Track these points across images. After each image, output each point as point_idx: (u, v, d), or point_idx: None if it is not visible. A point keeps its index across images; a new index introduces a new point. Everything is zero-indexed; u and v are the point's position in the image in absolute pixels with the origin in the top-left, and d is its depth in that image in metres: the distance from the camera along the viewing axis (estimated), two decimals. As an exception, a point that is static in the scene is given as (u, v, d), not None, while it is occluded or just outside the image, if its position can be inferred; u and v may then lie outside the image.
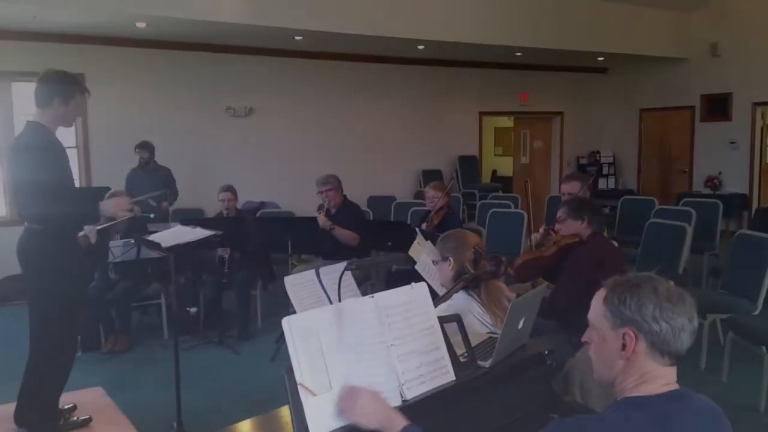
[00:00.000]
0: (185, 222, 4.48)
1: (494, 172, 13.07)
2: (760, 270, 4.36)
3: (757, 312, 4.32)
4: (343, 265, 2.70)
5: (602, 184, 11.50)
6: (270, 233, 5.38)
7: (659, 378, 1.36)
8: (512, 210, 6.96)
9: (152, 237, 3.94)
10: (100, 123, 7.78)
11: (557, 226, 3.79)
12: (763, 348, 3.80)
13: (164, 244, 3.63)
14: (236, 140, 8.74)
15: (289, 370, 1.44)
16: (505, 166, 12.76)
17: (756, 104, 9.63)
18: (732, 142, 9.93)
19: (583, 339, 1.46)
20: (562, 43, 8.97)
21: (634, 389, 1.36)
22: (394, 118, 10.03)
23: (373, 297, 1.67)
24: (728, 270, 4.88)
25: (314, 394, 1.45)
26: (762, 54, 9.34)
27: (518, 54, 9.65)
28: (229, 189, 5.88)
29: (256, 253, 5.39)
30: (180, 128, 8.29)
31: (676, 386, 1.38)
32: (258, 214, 6.96)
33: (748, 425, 3.71)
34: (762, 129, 9.86)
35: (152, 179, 6.69)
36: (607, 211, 8.49)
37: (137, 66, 8.01)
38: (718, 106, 10.08)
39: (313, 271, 2.86)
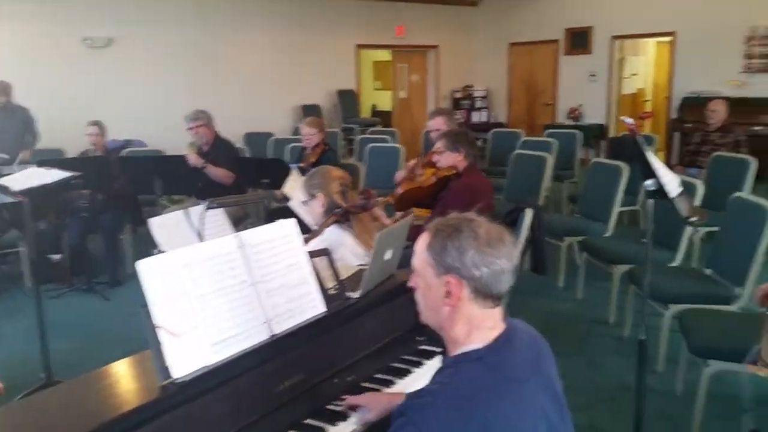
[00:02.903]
0: (42, 163, 4.16)
1: (374, 106, 13.09)
2: (611, 195, 4.74)
3: (608, 234, 4.72)
4: (218, 205, 2.65)
5: (476, 117, 11.86)
6: (136, 173, 5.11)
7: (486, 321, 1.38)
8: (390, 144, 7.06)
9: (3, 180, 3.65)
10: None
11: (435, 158, 3.90)
12: (613, 266, 4.16)
13: (16, 188, 3.37)
14: (97, 75, 8.13)
15: (147, 314, 1.41)
16: (385, 101, 12.81)
17: (614, 37, 10.21)
18: (592, 75, 10.52)
19: (410, 284, 1.46)
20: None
21: (466, 340, 1.37)
22: (270, 51, 9.71)
23: (236, 236, 1.65)
24: (584, 196, 5.26)
25: (175, 336, 1.43)
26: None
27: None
28: (96, 124, 5.61)
29: (122, 195, 5.13)
30: (34, 64, 7.58)
31: (502, 325, 1.40)
32: (122, 153, 6.58)
33: (600, 335, 4.11)
34: (620, 61, 10.50)
35: (10, 121, 6.14)
36: (480, 143, 8.79)
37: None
38: (579, 40, 10.60)
39: (182, 211, 2.78)
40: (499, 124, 11.16)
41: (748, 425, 2.20)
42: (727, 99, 6.52)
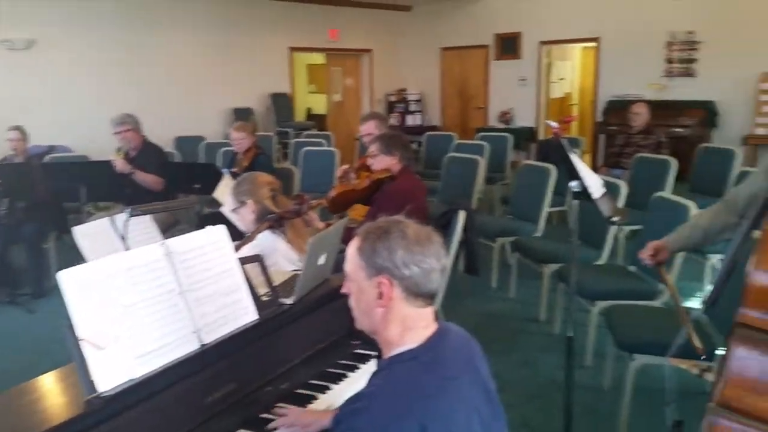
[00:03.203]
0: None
1: (309, 110, 13.01)
2: (540, 197, 4.87)
3: (538, 234, 4.85)
4: (142, 212, 2.57)
5: (410, 120, 11.97)
6: (60, 180, 4.90)
7: (419, 321, 1.39)
8: (326, 148, 7.04)
9: None
10: None
11: (369, 161, 3.91)
12: (543, 265, 4.28)
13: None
14: (17, 78, 7.76)
15: (70, 326, 1.36)
16: (319, 104, 12.76)
17: (542, 43, 10.51)
18: (521, 79, 10.79)
19: (343, 290, 1.48)
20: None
21: (400, 340, 1.39)
22: (201, 53, 9.51)
23: (163, 243, 1.61)
24: (515, 197, 5.39)
25: (99, 349, 1.38)
26: (547, -5, 10.14)
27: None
28: (17, 129, 5.36)
29: (45, 203, 4.92)
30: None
31: (434, 325, 1.42)
32: (45, 160, 6.30)
33: (531, 333, 4.22)
34: (548, 66, 10.82)
35: None
36: (415, 146, 8.88)
37: None
38: (508, 45, 10.85)
39: (107, 219, 2.69)
40: (434, 128, 11.29)
41: (672, 417, 2.30)
42: (649, 102, 6.81)
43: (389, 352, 1.41)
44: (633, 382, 2.91)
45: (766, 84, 8.06)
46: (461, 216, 3.57)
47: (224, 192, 3.66)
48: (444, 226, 3.71)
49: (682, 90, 8.99)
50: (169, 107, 8.94)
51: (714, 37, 8.65)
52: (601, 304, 3.45)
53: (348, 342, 2.18)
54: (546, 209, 4.89)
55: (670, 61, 9.12)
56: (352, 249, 1.42)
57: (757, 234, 1.90)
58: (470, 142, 7.42)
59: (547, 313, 4.34)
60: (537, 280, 4.44)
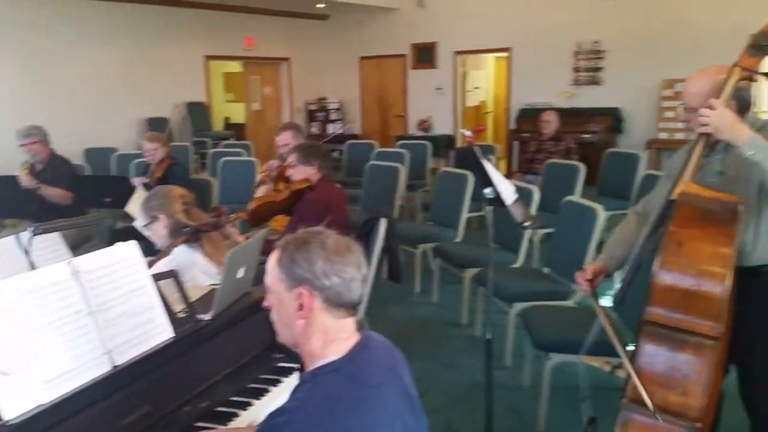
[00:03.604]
0: None
1: (227, 119, 12.77)
2: (459, 203, 4.98)
3: (458, 239, 4.95)
4: (45, 230, 2.45)
5: (331, 129, 11.96)
6: (-42, 196, 4.61)
7: (341, 332, 1.39)
8: (245, 158, 6.91)
9: None
10: None
11: (289, 171, 3.88)
12: (464, 270, 4.37)
13: None
14: None
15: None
16: (238, 113, 12.56)
17: (457, 53, 10.76)
18: (438, 88, 11.01)
19: (264, 304, 1.46)
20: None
21: (322, 353, 1.38)
22: (112, 61, 9.15)
23: (70, 262, 1.54)
24: (435, 204, 5.48)
25: (4, 375, 1.31)
26: (462, 6, 10.38)
27: (239, -4, 9.42)
28: None
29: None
30: None
31: (356, 336, 1.42)
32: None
33: (454, 337, 4.29)
34: (463, 75, 11.08)
35: None
36: (336, 155, 8.89)
37: None
38: (425, 55, 11.05)
39: (11, 237, 2.55)
40: (354, 136, 11.33)
41: (587, 413, 2.40)
42: (559, 110, 7.11)
43: (312, 365, 1.40)
44: (550, 380, 3.01)
45: (667, 91, 8.58)
46: (383, 224, 3.60)
47: (137, 206, 3.54)
48: (366, 234, 3.73)
49: (589, 98, 9.43)
50: (79, 118, 8.55)
51: (618, 46, 9.13)
52: (519, 306, 3.56)
53: (270, 356, 2.15)
54: (465, 215, 5.00)
55: (577, 70, 9.55)
56: (271, 261, 1.41)
57: (661, 234, 2.02)
58: (390, 150, 7.49)
59: (469, 317, 4.43)
60: (458, 285, 4.53)
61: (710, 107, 1.98)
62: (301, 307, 1.37)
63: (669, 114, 8.52)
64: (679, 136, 8.24)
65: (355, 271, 1.38)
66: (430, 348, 4.10)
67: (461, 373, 3.74)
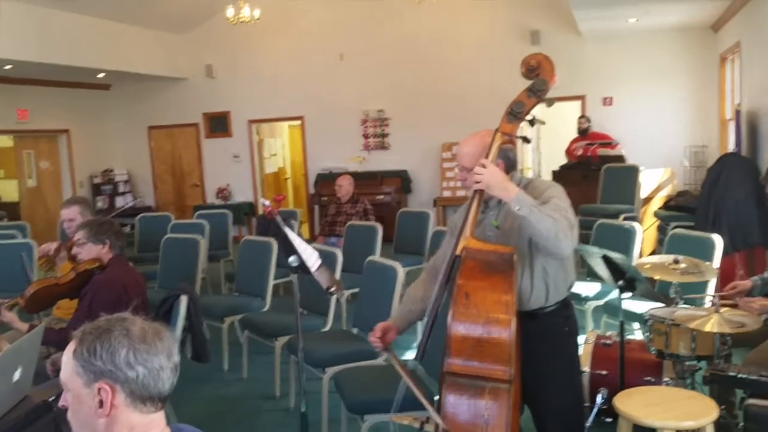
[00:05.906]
0: None
1: (-3, 198, 11.44)
2: (264, 271, 4.91)
3: (266, 308, 4.86)
4: None
5: (120, 201, 11.25)
6: None
7: (150, 428, 1.29)
8: (20, 240, 6.20)
9: None
10: None
11: (75, 250, 3.55)
12: (274, 339, 4.28)
13: None
14: None
15: None
16: (10, 191, 11.31)
17: (251, 121, 10.85)
18: (235, 156, 10.96)
19: (60, 404, 1.31)
20: (53, 57, 8.39)
21: None
22: None
23: None
24: (240, 274, 5.36)
25: None
26: (252, 76, 10.53)
27: (9, 67, 8.63)
28: None
29: None
30: None
31: (167, 430, 1.32)
32: None
33: (268, 411, 4.16)
34: (259, 143, 11.16)
35: None
36: (127, 229, 8.34)
37: None
38: (218, 124, 10.99)
39: None
40: (147, 208, 10.77)
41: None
42: (353, 173, 7.44)
43: None
44: (367, 442, 3.03)
45: (447, 153, 9.45)
46: (183, 301, 3.44)
47: None
48: (166, 314, 3.53)
49: (379, 161, 10.05)
50: None
51: (400, 114, 9.93)
52: (331, 370, 3.56)
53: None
54: (271, 282, 4.94)
55: (366, 136, 10.14)
56: (67, 353, 1.26)
57: (451, 288, 2.17)
58: (188, 221, 7.24)
59: (282, 388, 4.33)
60: (270, 355, 4.42)
61: (483, 166, 2.20)
62: (101, 404, 1.23)
63: (450, 174, 9.37)
64: (461, 193, 9.05)
65: (165, 360, 1.28)
66: (246, 426, 3.92)
67: (278, 448, 3.62)
